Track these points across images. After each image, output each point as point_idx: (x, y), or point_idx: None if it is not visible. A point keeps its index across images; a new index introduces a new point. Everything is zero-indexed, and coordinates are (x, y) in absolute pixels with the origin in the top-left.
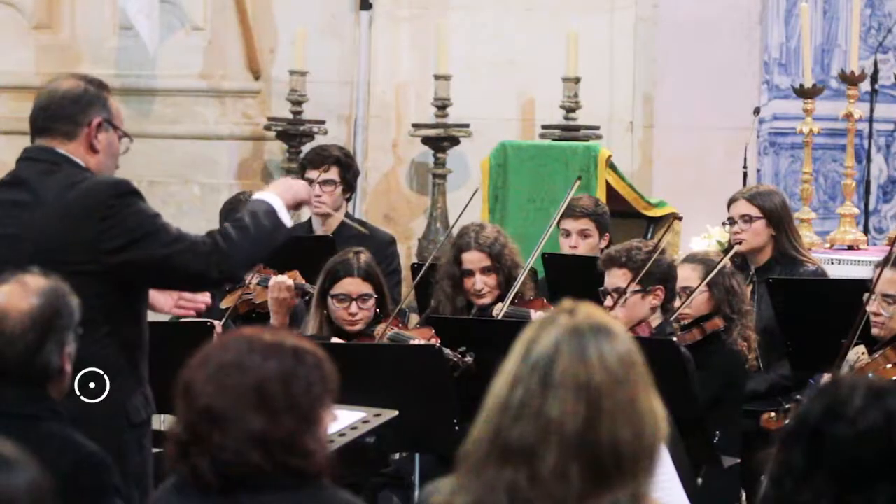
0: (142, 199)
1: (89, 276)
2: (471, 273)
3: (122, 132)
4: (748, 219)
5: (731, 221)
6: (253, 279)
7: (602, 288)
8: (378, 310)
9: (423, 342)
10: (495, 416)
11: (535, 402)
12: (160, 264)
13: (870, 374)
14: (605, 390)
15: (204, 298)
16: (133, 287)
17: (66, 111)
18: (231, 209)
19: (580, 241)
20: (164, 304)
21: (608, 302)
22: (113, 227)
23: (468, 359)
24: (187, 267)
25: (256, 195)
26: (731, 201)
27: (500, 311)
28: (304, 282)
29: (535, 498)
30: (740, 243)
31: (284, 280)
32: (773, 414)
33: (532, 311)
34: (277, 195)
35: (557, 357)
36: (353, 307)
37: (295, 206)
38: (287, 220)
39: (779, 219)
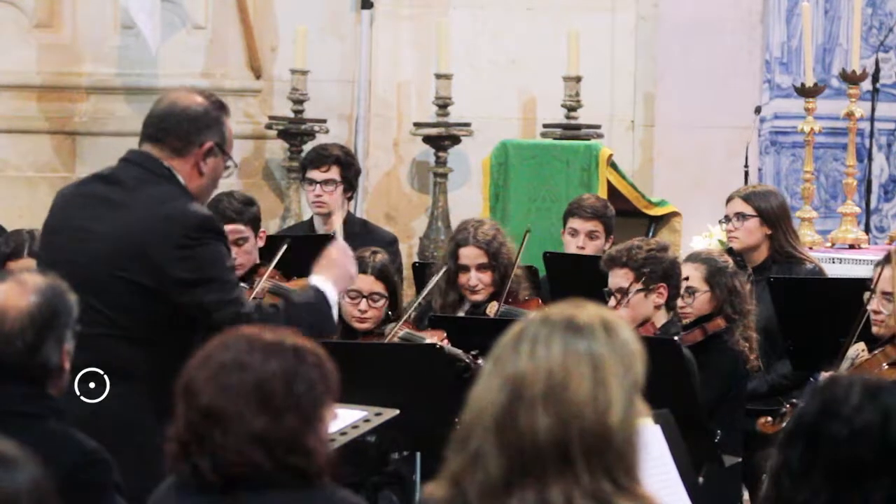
0: (223, 241)
1: (144, 290)
2: (466, 269)
3: (228, 157)
4: (742, 217)
5: (727, 219)
6: (264, 284)
7: (606, 289)
8: (391, 311)
9: (429, 342)
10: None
11: (476, 390)
12: (207, 313)
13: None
14: (528, 379)
15: None
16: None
17: (182, 127)
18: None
19: (588, 242)
20: None
21: (612, 302)
22: (185, 259)
23: (480, 361)
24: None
25: (318, 282)
26: (728, 200)
27: (493, 309)
28: None
29: (468, 486)
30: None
31: None
32: (769, 418)
33: (528, 312)
34: (334, 285)
35: (502, 348)
36: (363, 304)
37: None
38: (335, 319)
39: (774, 218)
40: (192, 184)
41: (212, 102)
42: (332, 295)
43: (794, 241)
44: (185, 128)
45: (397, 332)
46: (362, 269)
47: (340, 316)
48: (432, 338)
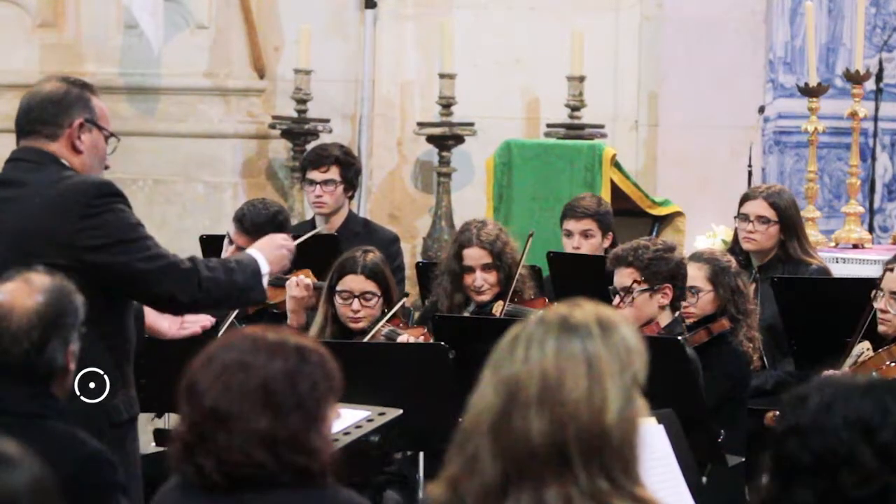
0: (125, 204)
1: (64, 272)
2: (471, 269)
3: (107, 132)
4: (765, 220)
5: (745, 218)
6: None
7: (611, 287)
8: (386, 309)
9: (412, 339)
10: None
11: (475, 395)
12: (135, 277)
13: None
14: (522, 382)
15: (206, 318)
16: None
17: (47, 112)
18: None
19: (583, 242)
20: (168, 329)
21: (616, 301)
22: (92, 227)
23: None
24: (160, 286)
25: (250, 251)
26: (747, 198)
27: (500, 309)
28: (316, 280)
29: (465, 489)
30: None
31: (303, 279)
32: (777, 412)
33: (534, 311)
34: (267, 260)
35: (498, 351)
36: (356, 304)
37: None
38: (264, 287)
39: (793, 222)
40: (75, 162)
41: (71, 83)
42: (264, 265)
43: (807, 245)
44: (51, 111)
45: (381, 329)
46: (352, 268)
47: (336, 316)
48: (415, 335)
